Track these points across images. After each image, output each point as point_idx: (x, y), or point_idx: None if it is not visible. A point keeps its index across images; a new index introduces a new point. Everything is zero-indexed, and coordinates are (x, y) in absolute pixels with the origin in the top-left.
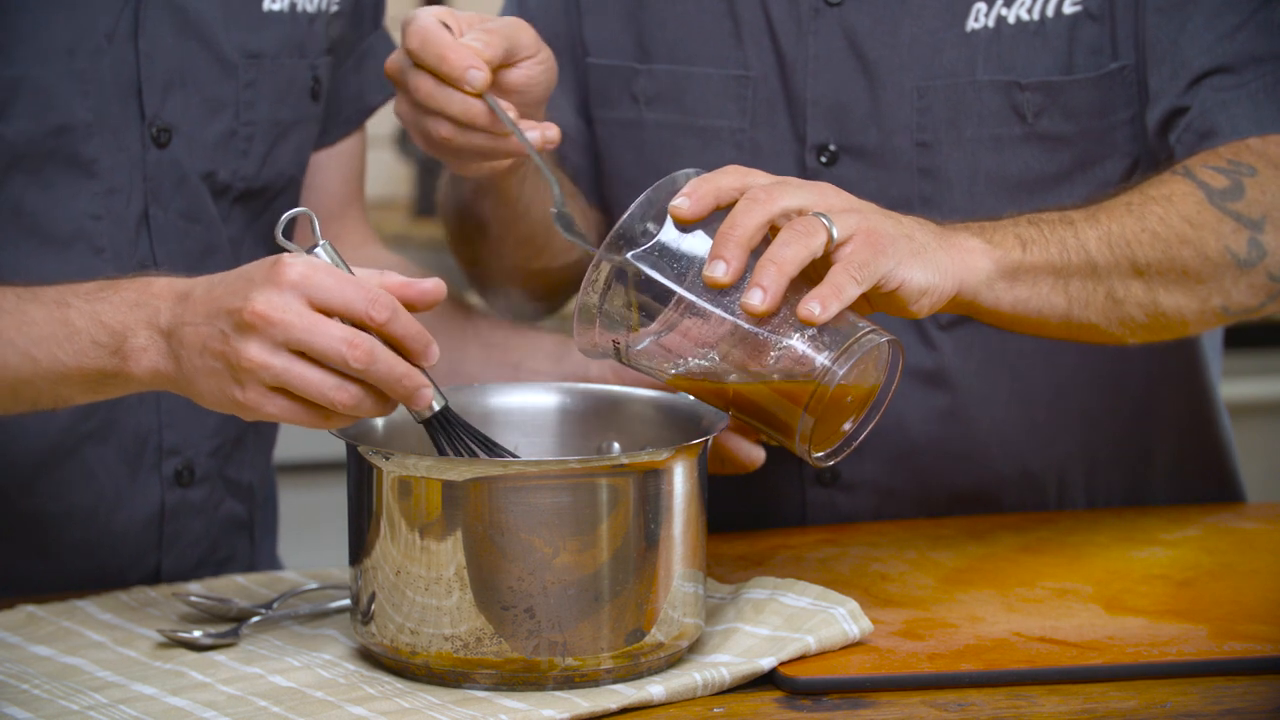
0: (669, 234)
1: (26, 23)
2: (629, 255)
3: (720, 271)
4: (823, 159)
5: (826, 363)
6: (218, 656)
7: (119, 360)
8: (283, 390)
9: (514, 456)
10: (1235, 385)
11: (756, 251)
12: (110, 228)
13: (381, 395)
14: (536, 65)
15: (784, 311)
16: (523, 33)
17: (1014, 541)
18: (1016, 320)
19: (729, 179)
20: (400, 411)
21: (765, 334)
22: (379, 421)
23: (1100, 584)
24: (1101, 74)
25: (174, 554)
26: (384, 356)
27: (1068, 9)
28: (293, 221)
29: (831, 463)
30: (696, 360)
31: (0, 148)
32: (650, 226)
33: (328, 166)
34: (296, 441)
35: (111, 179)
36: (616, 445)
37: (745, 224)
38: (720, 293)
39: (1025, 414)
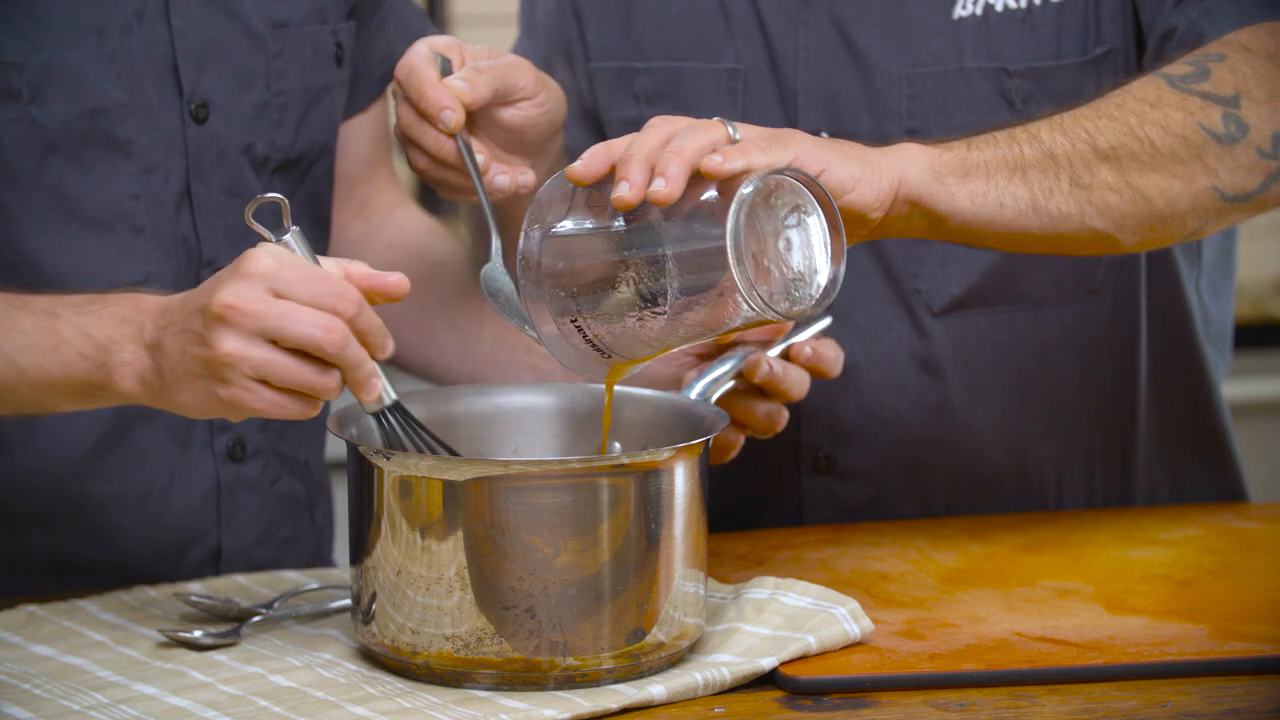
0: (579, 200)
1: (52, 6)
2: (548, 229)
3: (624, 189)
4: None
5: (731, 206)
6: (218, 656)
7: (104, 374)
8: (265, 382)
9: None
10: (1235, 385)
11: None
12: (149, 206)
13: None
14: (534, 108)
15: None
16: (521, 73)
17: (1014, 541)
18: (984, 225)
19: (619, 140)
20: None
21: (682, 228)
22: None
23: (1101, 584)
24: (1088, 59)
25: (233, 531)
26: (353, 341)
27: None
28: (271, 206)
29: (810, 311)
30: (644, 291)
31: (35, 132)
32: (561, 203)
33: (359, 132)
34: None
35: (148, 158)
36: (617, 445)
37: (645, 143)
38: (635, 220)
39: (1020, 406)
